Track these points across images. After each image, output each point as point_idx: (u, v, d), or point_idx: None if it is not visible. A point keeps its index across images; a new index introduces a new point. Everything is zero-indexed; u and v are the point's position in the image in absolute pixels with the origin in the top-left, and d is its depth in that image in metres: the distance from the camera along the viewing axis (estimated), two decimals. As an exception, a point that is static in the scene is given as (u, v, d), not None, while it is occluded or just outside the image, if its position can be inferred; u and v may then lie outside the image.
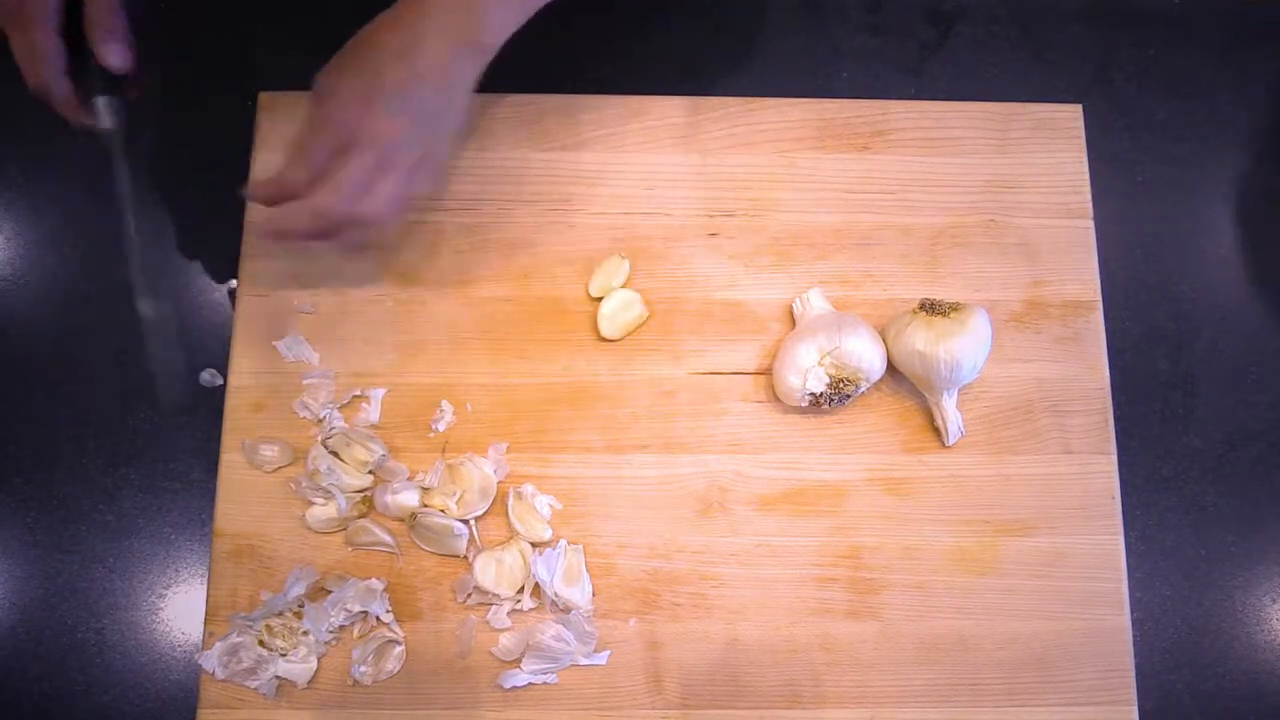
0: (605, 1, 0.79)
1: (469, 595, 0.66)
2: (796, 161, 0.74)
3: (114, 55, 0.61)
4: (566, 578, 0.66)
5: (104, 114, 0.63)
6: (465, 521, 0.66)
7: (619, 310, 0.70)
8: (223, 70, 0.76)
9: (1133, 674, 0.67)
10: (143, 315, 0.64)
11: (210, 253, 0.74)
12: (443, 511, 0.66)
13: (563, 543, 0.67)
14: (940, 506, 0.69)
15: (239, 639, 0.64)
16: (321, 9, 0.77)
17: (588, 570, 0.67)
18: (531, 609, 0.66)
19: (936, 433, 0.70)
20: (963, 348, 0.66)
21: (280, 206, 0.60)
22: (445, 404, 0.69)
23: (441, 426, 0.69)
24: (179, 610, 0.68)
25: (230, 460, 0.68)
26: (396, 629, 0.66)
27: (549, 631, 0.65)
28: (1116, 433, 0.71)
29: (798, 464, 0.69)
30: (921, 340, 0.66)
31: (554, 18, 0.79)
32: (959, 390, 0.69)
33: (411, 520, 0.66)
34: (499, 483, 0.68)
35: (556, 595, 0.65)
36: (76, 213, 0.74)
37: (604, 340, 0.70)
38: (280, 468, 0.68)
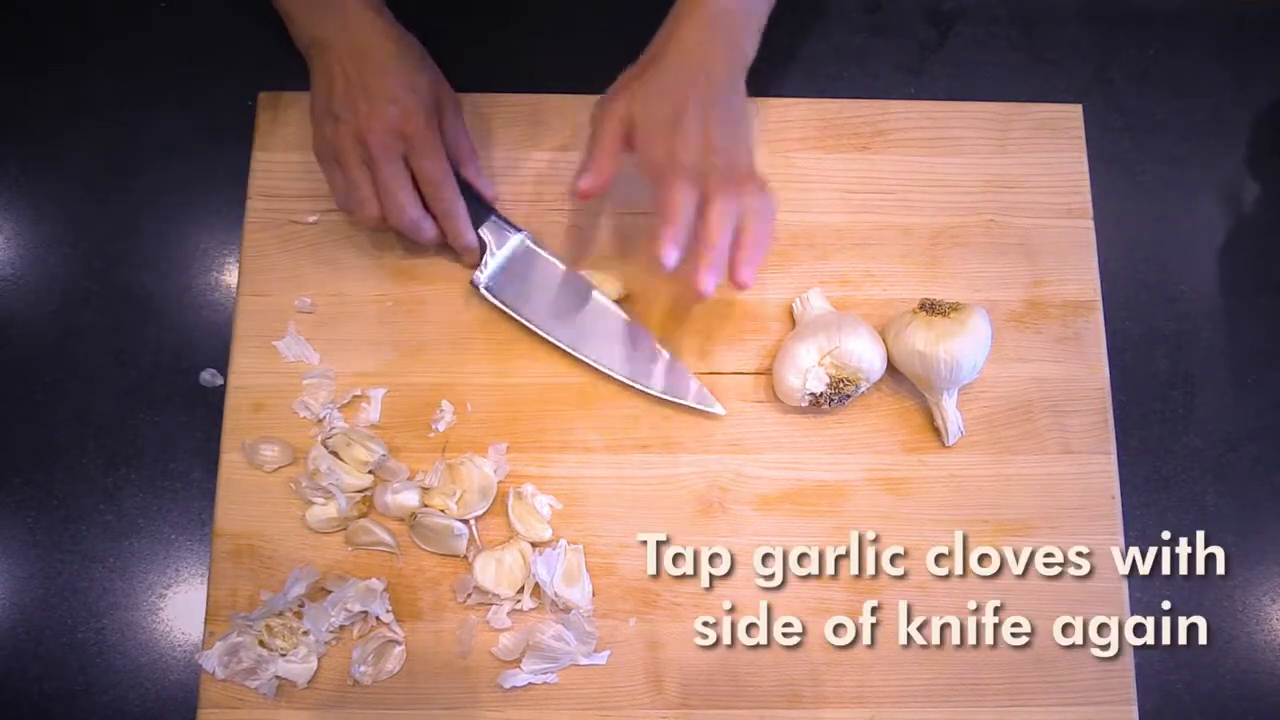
0: (605, 1, 0.79)
1: (469, 595, 0.66)
2: (796, 161, 0.74)
3: (489, 187, 0.71)
4: (566, 578, 0.66)
5: (503, 230, 0.70)
6: (465, 521, 0.66)
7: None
8: (223, 70, 0.76)
9: (1133, 674, 0.67)
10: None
11: (211, 253, 0.74)
12: (443, 511, 0.66)
13: (563, 543, 0.66)
14: (940, 506, 0.69)
15: (239, 639, 0.64)
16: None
17: (588, 570, 0.67)
18: (531, 609, 0.66)
19: (936, 433, 0.70)
20: (963, 348, 0.66)
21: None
22: (445, 404, 0.69)
23: (441, 426, 0.69)
24: (179, 610, 0.68)
25: (230, 460, 0.68)
26: (396, 629, 0.66)
27: (549, 631, 0.65)
28: (1116, 433, 0.71)
29: (798, 464, 0.69)
30: (922, 340, 0.66)
31: (554, 17, 0.79)
32: (959, 390, 0.69)
33: (412, 520, 0.66)
34: (499, 483, 0.68)
35: (557, 595, 0.65)
36: (76, 213, 0.74)
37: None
38: (280, 468, 0.68)
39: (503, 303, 0.69)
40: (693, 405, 0.69)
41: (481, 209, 0.69)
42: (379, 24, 0.65)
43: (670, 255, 0.59)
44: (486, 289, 0.69)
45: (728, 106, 0.62)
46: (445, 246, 0.70)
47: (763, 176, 0.63)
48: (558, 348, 0.69)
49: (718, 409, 0.69)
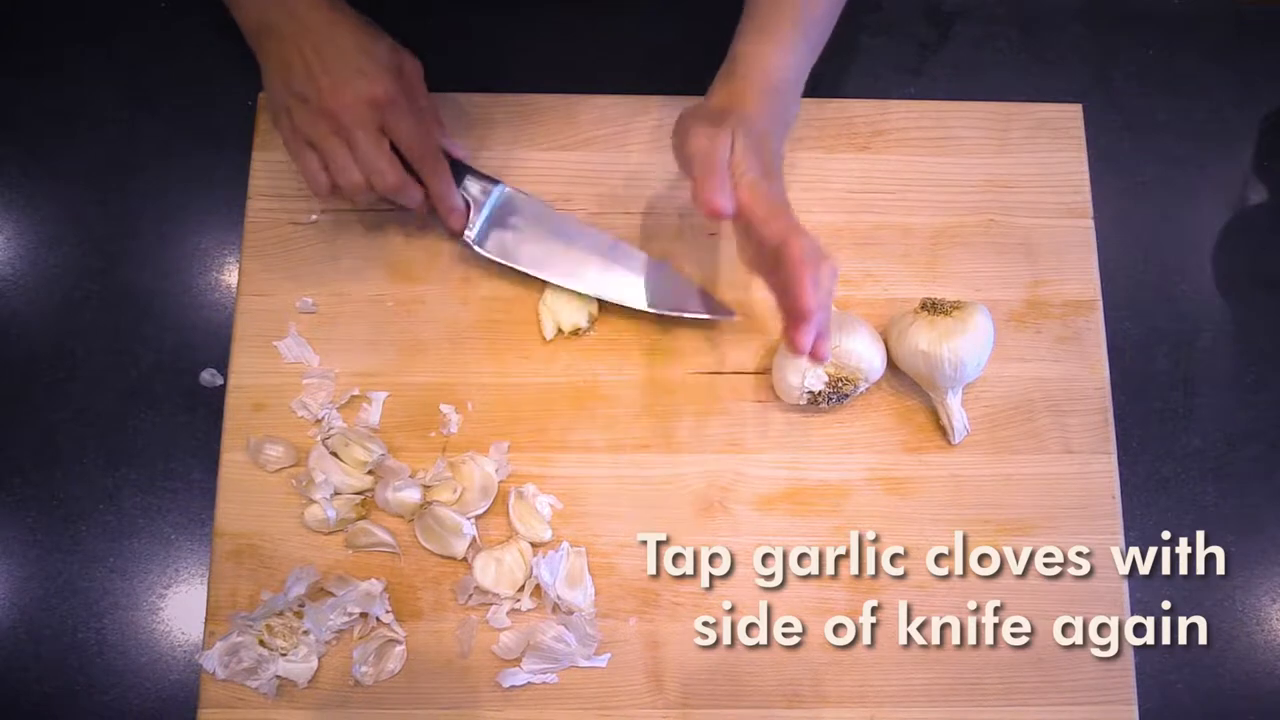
0: (606, 1, 0.79)
1: (469, 596, 0.66)
2: (797, 161, 0.74)
3: (459, 146, 0.70)
4: (569, 580, 0.66)
5: (485, 184, 0.70)
6: (467, 519, 0.66)
7: (563, 309, 0.70)
8: (223, 70, 0.76)
9: (1133, 674, 0.67)
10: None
11: (211, 253, 0.74)
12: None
13: (565, 545, 0.66)
14: (941, 506, 0.69)
15: (239, 639, 0.64)
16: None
17: (589, 570, 0.67)
18: (531, 609, 0.66)
19: (940, 432, 0.70)
20: (966, 346, 0.66)
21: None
22: (451, 410, 0.69)
23: (447, 431, 0.69)
24: (179, 610, 0.68)
25: (230, 460, 0.68)
26: (397, 629, 0.66)
27: (550, 632, 0.65)
28: (1116, 433, 0.71)
29: (798, 464, 0.69)
30: (925, 340, 0.67)
31: (553, 17, 0.79)
32: (963, 388, 0.69)
33: (419, 511, 0.66)
34: (500, 482, 0.68)
35: (559, 598, 0.65)
36: (76, 213, 0.74)
37: (604, 340, 0.70)
38: (284, 468, 0.68)
39: (496, 255, 0.69)
40: (702, 316, 0.69)
41: (457, 169, 0.69)
42: (325, 2, 0.65)
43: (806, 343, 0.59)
44: (477, 244, 0.69)
45: (777, 165, 0.63)
46: (431, 213, 0.70)
47: None
48: (565, 289, 0.70)
49: (729, 315, 0.70)
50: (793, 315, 0.59)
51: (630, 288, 0.70)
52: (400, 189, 0.66)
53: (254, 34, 0.65)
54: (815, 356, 0.60)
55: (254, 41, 0.66)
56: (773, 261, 0.60)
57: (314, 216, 0.72)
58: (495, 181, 0.70)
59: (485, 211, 0.70)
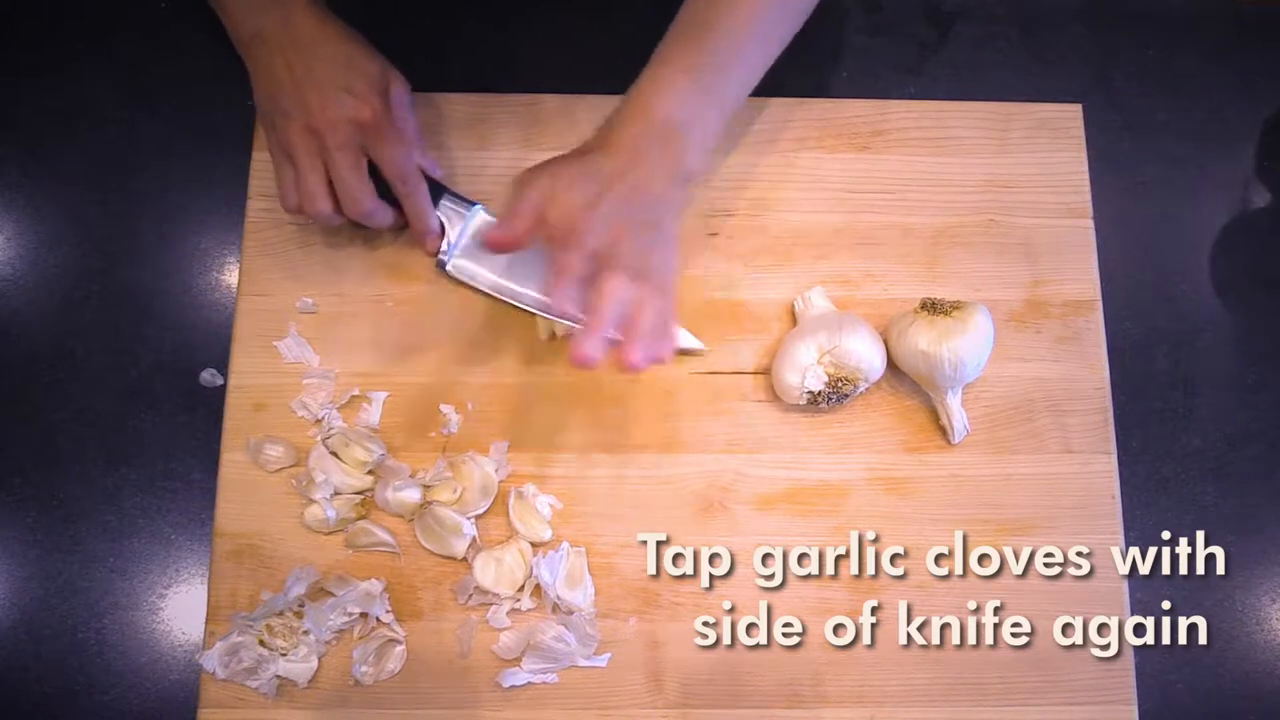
0: (606, 2, 0.79)
1: (469, 597, 0.66)
2: (796, 161, 0.74)
3: (437, 167, 0.69)
4: (569, 581, 0.66)
5: (463, 204, 0.70)
6: (467, 519, 0.66)
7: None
8: (223, 72, 0.76)
9: (1133, 674, 0.67)
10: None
11: (211, 253, 0.74)
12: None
13: (565, 545, 0.66)
14: (941, 506, 0.69)
15: (239, 639, 0.64)
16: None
17: (589, 570, 0.67)
18: (531, 609, 0.66)
19: (940, 431, 0.70)
20: (966, 346, 0.66)
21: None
22: (450, 410, 0.69)
23: (447, 431, 0.69)
24: (179, 610, 0.68)
25: (230, 460, 0.68)
26: (397, 629, 0.66)
27: (550, 632, 0.65)
28: (1116, 433, 0.71)
29: (798, 464, 0.69)
30: (925, 340, 0.67)
31: (553, 18, 0.79)
32: (963, 388, 0.69)
33: (420, 511, 0.66)
34: (500, 482, 0.68)
35: (559, 598, 0.65)
36: (76, 213, 0.74)
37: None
38: (284, 468, 0.68)
39: (468, 278, 0.69)
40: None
41: (434, 189, 0.69)
42: (318, 14, 0.64)
43: (565, 304, 0.58)
44: (452, 269, 0.69)
45: (653, 213, 0.60)
46: (401, 231, 0.70)
47: (672, 293, 0.60)
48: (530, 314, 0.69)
49: (698, 345, 0.69)
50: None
51: None
52: (371, 214, 0.66)
53: (244, 42, 0.65)
54: (581, 361, 0.57)
55: (243, 50, 0.65)
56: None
57: (314, 216, 0.72)
58: (471, 204, 0.70)
59: (461, 236, 0.69)
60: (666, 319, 0.60)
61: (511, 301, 0.69)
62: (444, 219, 0.69)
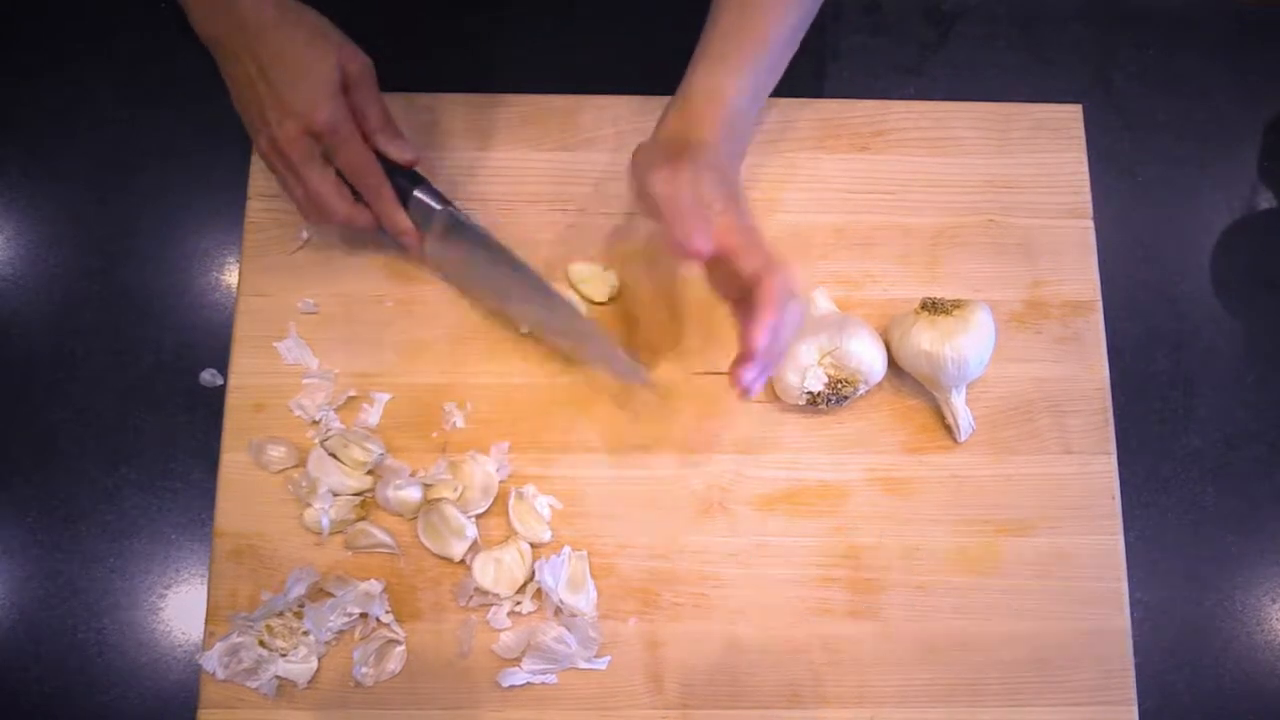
0: (606, 1, 0.79)
1: (469, 598, 0.66)
2: (796, 161, 0.74)
3: (406, 151, 0.65)
4: (571, 585, 0.65)
5: (428, 207, 0.67)
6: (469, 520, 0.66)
7: (591, 279, 0.71)
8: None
9: (1133, 674, 0.67)
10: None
11: (211, 253, 0.74)
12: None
13: (566, 549, 0.66)
14: (940, 506, 0.69)
15: (239, 639, 0.64)
16: (318, 9, 0.77)
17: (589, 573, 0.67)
18: (531, 612, 0.66)
19: (941, 432, 0.70)
20: (968, 344, 0.66)
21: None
22: (453, 406, 0.69)
23: (449, 427, 0.69)
24: (179, 610, 0.68)
25: (230, 460, 0.68)
26: (397, 629, 0.66)
27: (550, 633, 0.65)
28: (1116, 433, 0.71)
29: (798, 464, 0.69)
30: (927, 340, 0.67)
31: (553, 18, 0.79)
32: (966, 386, 0.69)
33: (424, 508, 0.66)
34: (500, 483, 0.68)
35: (561, 602, 0.65)
36: (76, 213, 0.74)
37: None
38: (286, 468, 0.68)
39: (438, 273, 0.69)
40: (620, 373, 0.68)
41: (413, 179, 0.66)
42: (270, 11, 0.61)
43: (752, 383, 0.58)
44: (430, 259, 0.69)
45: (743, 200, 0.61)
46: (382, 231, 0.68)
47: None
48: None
49: (639, 379, 0.69)
50: (744, 351, 0.58)
51: (552, 335, 0.69)
52: (349, 219, 0.65)
53: (209, 47, 0.63)
54: (743, 392, 0.58)
55: (213, 54, 0.64)
56: (740, 293, 0.59)
57: (314, 216, 0.72)
58: (445, 201, 0.67)
59: (431, 231, 0.67)
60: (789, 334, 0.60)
61: (481, 300, 0.69)
62: (418, 214, 0.66)
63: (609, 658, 0.66)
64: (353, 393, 0.69)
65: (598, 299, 0.71)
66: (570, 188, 0.73)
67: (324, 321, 0.70)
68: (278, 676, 0.64)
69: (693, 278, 0.72)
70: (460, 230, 0.67)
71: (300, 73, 0.61)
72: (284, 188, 0.65)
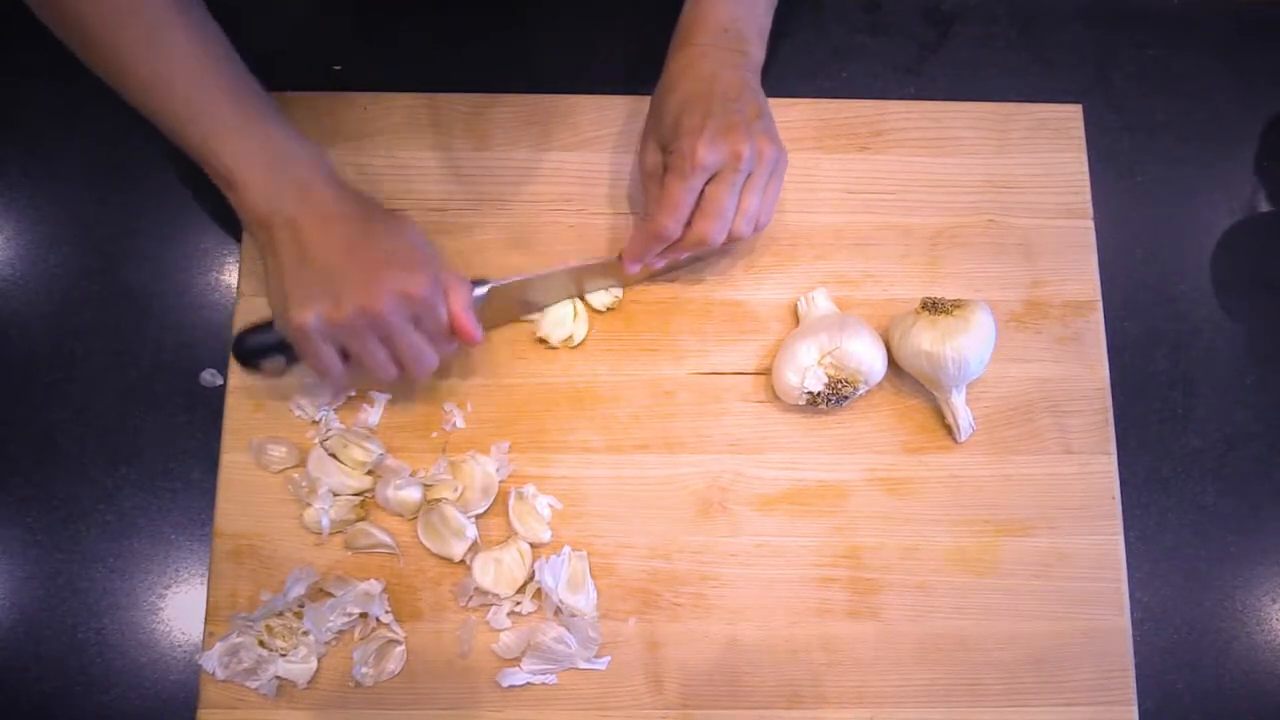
0: (607, 2, 0.79)
1: (469, 599, 0.66)
2: (797, 161, 0.74)
3: (478, 334, 0.64)
4: (571, 585, 0.65)
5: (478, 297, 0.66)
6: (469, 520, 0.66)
7: (560, 324, 0.70)
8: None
9: (1133, 674, 0.67)
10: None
11: (211, 253, 0.74)
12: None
13: (567, 549, 0.66)
14: (940, 506, 0.69)
15: (239, 639, 0.64)
16: (318, 8, 0.77)
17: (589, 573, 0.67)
18: (531, 612, 0.66)
19: (941, 431, 0.70)
20: (969, 344, 0.66)
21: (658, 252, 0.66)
22: (453, 406, 0.69)
23: (449, 427, 0.69)
24: (179, 610, 0.68)
25: (230, 460, 0.68)
26: (397, 629, 0.66)
27: (550, 633, 0.65)
28: (1116, 433, 0.71)
29: (798, 464, 0.69)
30: (927, 340, 0.67)
31: (555, 18, 0.79)
32: (967, 385, 0.69)
33: (425, 508, 0.66)
34: (500, 483, 0.68)
35: (562, 603, 0.65)
36: (76, 213, 0.74)
37: (604, 340, 0.70)
38: (287, 468, 0.68)
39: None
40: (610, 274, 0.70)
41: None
42: (346, 192, 0.61)
43: (670, 230, 0.63)
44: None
45: (745, 109, 0.64)
46: None
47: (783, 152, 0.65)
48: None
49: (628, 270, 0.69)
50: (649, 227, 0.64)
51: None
52: (434, 369, 0.63)
53: (263, 218, 0.59)
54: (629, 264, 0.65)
55: (261, 232, 0.60)
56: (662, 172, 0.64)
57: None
58: (482, 283, 0.66)
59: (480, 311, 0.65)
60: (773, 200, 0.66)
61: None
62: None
63: (609, 658, 0.66)
64: (352, 393, 0.69)
65: (598, 308, 0.71)
66: (570, 188, 0.73)
67: (324, 321, 0.70)
68: (278, 676, 0.64)
69: (693, 279, 0.72)
70: (497, 293, 0.67)
71: (390, 240, 0.60)
72: (358, 357, 0.61)
